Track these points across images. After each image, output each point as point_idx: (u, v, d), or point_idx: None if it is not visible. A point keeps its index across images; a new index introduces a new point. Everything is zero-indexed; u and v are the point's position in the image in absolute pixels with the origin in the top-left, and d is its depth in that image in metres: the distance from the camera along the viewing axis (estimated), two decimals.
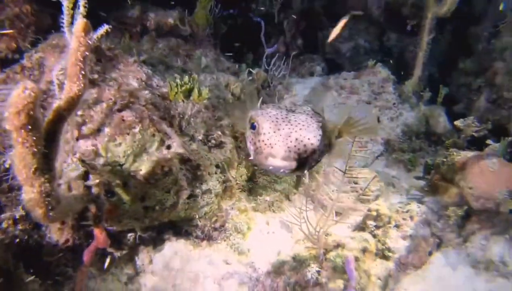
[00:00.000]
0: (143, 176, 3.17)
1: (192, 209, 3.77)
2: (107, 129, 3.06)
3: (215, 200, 3.92)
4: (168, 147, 3.41)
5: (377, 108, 5.63)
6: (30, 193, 2.08)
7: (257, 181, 4.86)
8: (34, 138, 1.84)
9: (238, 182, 4.19)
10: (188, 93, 3.50)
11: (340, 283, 3.33)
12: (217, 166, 3.92)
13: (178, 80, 3.42)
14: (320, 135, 2.07)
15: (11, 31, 3.17)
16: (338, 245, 3.57)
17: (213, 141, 3.97)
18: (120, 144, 3.08)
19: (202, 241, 4.04)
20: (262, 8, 6.84)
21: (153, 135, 3.29)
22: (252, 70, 5.54)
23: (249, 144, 2.14)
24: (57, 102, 1.95)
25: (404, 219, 4.04)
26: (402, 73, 6.69)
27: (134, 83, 3.40)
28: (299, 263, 3.55)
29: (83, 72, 1.94)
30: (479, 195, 3.79)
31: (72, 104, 1.98)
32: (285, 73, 5.91)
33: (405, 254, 3.86)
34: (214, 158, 3.88)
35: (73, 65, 1.91)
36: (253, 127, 2.09)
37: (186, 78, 3.46)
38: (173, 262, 3.90)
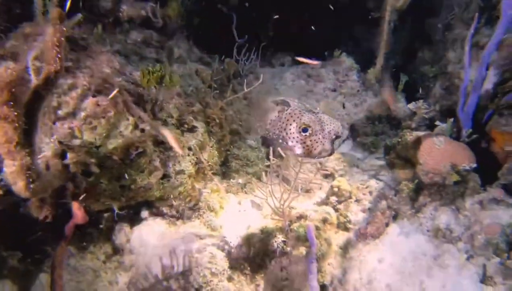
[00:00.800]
0: (118, 156, 3.42)
1: (167, 189, 4.05)
2: (82, 113, 3.29)
3: (189, 181, 4.19)
4: (142, 130, 3.68)
5: (342, 95, 5.99)
6: (11, 166, 2.32)
7: (230, 165, 5.15)
8: (16, 114, 2.08)
9: (210, 163, 4.47)
10: (160, 80, 3.76)
11: (302, 250, 3.67)
12: (189, 149, 4.20)
13: (150, 68, 3.67)
14: (341, 127, 2.87)
15: None
16: (301, 217, 3.91)
17: (185, 125, 4.24)
18: (95, 127, 3.32)
19: (177, 220, 4.32)
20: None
21: (127, 119, 3.54)
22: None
23: (295, 143, 2.82)
24: (35, 82, 2.18)
25: (363, 194, 4.40)
26: (368, 62, 7.08)
27: (108, 71, 3.64)
28: (266, 235, 3.87)
29: (59, 55, 2.18)
30: (428, 170, 4.17)
31: (49, 84, 2.22)
32: (255, 63, 6.21)
33: (365, 226, 4.21)
34: (187, 140, 4.16)
35: (50, 50, 2.15)
36: (305, 131, 2.77)
37: (158, 66, 3.71)
38: (149, 240, 4.16)
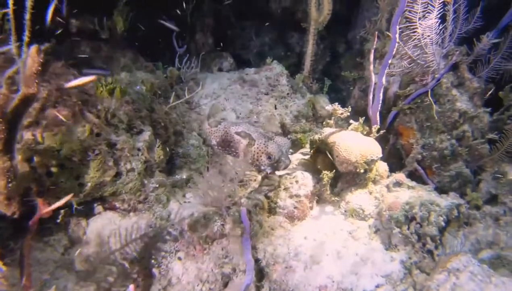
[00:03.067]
0: (77, 158, 3.94)
1: (119, 185, 4.59)
2: (44, 122, 3.79)
3: (138, 177, 4.75)
4: (97, 135, 4.21)
5: (274, 98, 6.75)
6: None
7: (174, 163, 5.75)
8: (3, 128, 2.61)
9: (157, 161, 5.05)
10: (111, 91, 4.30)
11: (238, 231, 4.36)
12: (138, 149, 4.76)
13: (103, 81, 4.20)
14: (289, 141, 4.63)
15: None
16: (236, 203, 4.61)
17: (134, 129, 4.80)
18: (56, 134, 3.83)
19: (129, 213, 4.86)
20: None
21: (84, 126, 4.06)
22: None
23: (266, 167, 4.33)
24: (15, 101, 2.71)
25: (291, 183, 5.13)
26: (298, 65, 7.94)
27: (65, 83, 4.13)
28: (208, 220, 4.52)
29: (36, 80, 2.72)
30: (342, 161, 5.00)
31: (28, 103, 2.76)
32: (196, 70, 6.83)
33: (292, 210, 4.96)
34: (135, 142, 4.72)
35: (29, 76, 2.69)
36: (270, 158, 4.12)
37: (109, 79, 4.25)
38: (104, 232, 4.67)
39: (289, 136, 6.56)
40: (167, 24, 6.66)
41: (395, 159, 6.05)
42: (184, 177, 5.58)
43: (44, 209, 3.78)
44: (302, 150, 6.29)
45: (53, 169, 3.75)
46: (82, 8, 5.74)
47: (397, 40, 4.66)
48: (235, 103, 6.53)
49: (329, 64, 8.70)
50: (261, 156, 3.90)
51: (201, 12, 8.53)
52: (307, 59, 7.20)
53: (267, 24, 9.37)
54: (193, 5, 8.21)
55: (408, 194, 5.02)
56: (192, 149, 5.91)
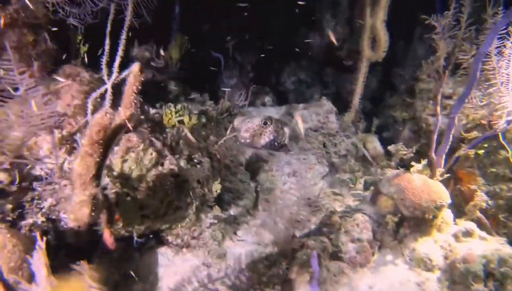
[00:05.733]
0: (144, 188, 3.72)
1: (177, 219, 4.34)
2: (116, 148, 3.60)
3: (195, 211, 4.50)
4: (162, 164, 4.00)
5: (322, 135, 6.56)
6: (82, 196, 2.60)
7: (223, 198, 5.50)
8: (101, 151, 2.41)
9: (214, 196, 4.81)
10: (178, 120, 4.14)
11: (306, 276, 4.05)
12: (198, 181, 4.54)
13: (172, 108, 4.04)
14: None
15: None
16: (303, 246, 4.31)
17: (194, 160, 4.60)
18: (126, 160, 3.62)
19: (182, 248, 4.58)
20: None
21: (151, 153, 3.86)
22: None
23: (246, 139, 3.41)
24: (115, 123, 2.51)
25: (352, 226, 4.86)
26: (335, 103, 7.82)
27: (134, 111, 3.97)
28: (271, 262, 4.23)
29: (135, 100, 2.54)
30: (408, 205, 4.74)
31: (125, 124, 2.56)
32: (244, 103, 6.71)
33: (354, 255, 4.66)
34: (196, 174, 4.50)
35: (129, 96, 2.51)
36: (265, 124, 3.38)
37: (179, 106, 4.09)
38: (157, 268, 4.39)
39: (337, 175, 6.31)
40: (217, 55, 6.61)
41: (453, 206, 5.75)
42: (232, 213, 5.32)
43: (110, 240, 3.53)
44: (353, 190, 6.03)
45: (125, 198, 3.52)
46: (141, 38, 5.70)
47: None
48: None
49: (373, 102, 8.57)
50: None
51: (243, 48, 8.54)
52: (355, 97, 7.07)
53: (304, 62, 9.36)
54: (236, 41, 8.23)
55: (482, 246, 4.70)
56: (240, 184, 5.68)
